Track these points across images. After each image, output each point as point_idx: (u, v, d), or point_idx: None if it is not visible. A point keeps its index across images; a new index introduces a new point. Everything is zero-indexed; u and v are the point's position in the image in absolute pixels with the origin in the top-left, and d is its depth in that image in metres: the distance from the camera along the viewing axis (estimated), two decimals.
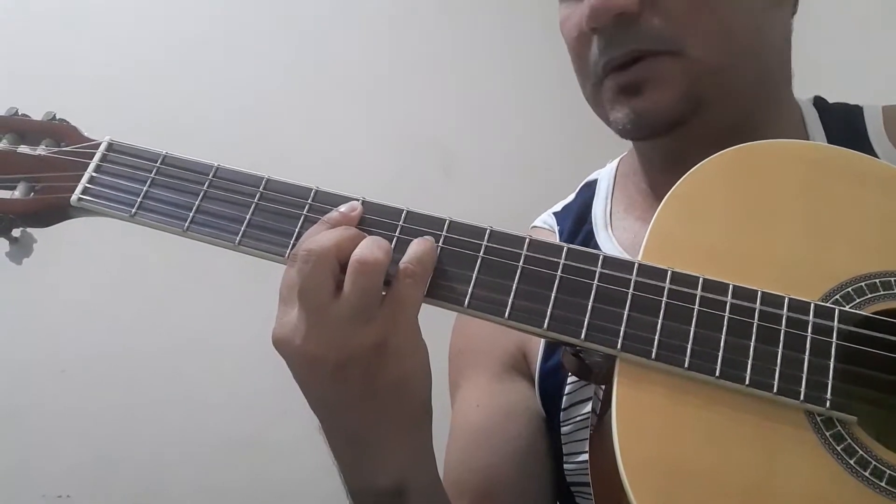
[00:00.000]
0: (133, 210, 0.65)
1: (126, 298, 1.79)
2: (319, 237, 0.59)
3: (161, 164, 0.67)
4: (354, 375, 0.59)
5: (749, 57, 0.72)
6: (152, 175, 0.66)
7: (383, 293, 0.59)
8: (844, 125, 0.77)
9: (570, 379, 0.76)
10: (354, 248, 0.58)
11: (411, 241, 0.61)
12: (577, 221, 0.85)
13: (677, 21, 0.69)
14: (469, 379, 0.84)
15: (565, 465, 0.78)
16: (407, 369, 0.61)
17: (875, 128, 0.76)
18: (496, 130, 1.94)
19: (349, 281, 0.57)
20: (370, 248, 0.58)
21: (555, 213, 0.89)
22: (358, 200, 0.63)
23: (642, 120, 0.71)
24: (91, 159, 0.68)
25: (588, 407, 0.75)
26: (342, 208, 0.62)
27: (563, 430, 0.78)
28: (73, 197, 0.66)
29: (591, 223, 0.83)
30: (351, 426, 0.62)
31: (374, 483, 0.63)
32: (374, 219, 0.63)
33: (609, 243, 0.80)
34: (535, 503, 0.80)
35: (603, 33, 0.70)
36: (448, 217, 0.62)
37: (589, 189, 0.88)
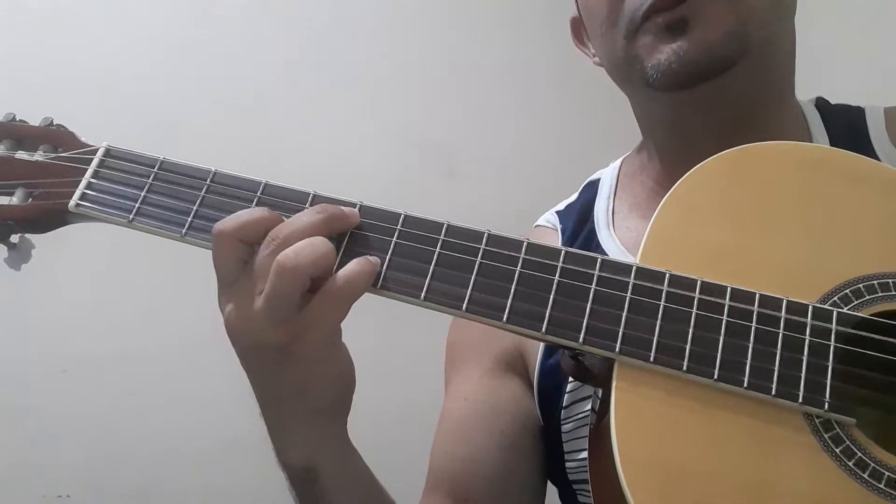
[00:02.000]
0: (131, 216, 0.65)
1: (126, 299, 1.79)
2: (227, 218, 0.61)
3: (158, 169, 0.67)
4: (258, 366, 0.62)
5: (785, 24, 0.73)
6: (150, 181, 0.66)
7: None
8: (846, 127, 0.78)
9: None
10: (262, 231, 0.60)
11: (409, 245, 0.61)
12: (579, 220, 0.85)
13: None
14: (461, 373, 0.85)
15: (567, 464, 0.78)
16: (312, 375, 0.62)
17: (877, 129, 0.76)
18: (498, 131, 1.94)
19: (269, 280, 0.58)
20: (297, 252, 0.58)
21: (558, 212, 0.89)
22: (355, 205, 0.63)
23: (688, 57, 0.69)
24: (89, 165, 0.68)
25: (589, 405, 0.75)
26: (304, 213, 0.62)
27: (564, 428, 0.78)
28: (71, 203, 0.66)
29: (593, 222, 0.83)
30: (263, 404, 0.66)
31: (286, 458, 0.66)
32: (371, 223, 0.63)
33: (611, 242, 0.80)
34: (517, 500, 0.80)
35: None
36: (446, 221, 0.63)
37: (591, 188, 0.88)
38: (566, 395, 0.77)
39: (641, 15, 0.70)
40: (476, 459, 0.78)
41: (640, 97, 0.80)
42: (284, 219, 0.61)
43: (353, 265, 0.60)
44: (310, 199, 0.64)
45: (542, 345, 0.80)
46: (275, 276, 0.57)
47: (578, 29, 0.85)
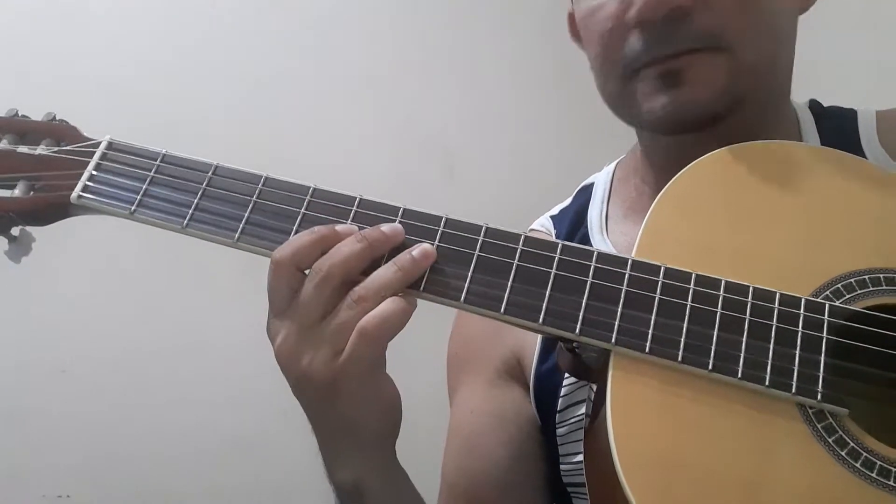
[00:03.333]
0: (133, 207, 0.66)
1: (126, 298, 1.80)
2: (283, 246, 0.62)
3: (161, 162, 0.67)
4: (308, 397, 0.64)
5: (784, 58, 0.73)
6: (152, 173, 0.67)
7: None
8: (838, 128, 0.78)
9: (566, 381, 0.77)
10: (317, 254, 0.61)
11: (408, 238, 0.62)
12: (573, 225, 0.85)
13: (728, 20, 0.67)
14: (464, 384, 0.85)
15: (561, 467, 0.79)
16: (359, 410, 0.63)
17: (867, 132, 0.76)
18: (498, 131, 1.94)
19: (350, 342, 0.60)
20: (381, 319, 0.59)
21: (552, 217, 0.89)
22: (355, 199, 0.64)
23: (680, 112, 0.69)
24: (91, 158, 0.68)
25: (583, 409, 0.75)
26: (338, 228, 0.63)
27: (559, 431, 0.78)
28: (74, 194, 0.67)
29: (586, 227, 0.84)
30: (314, 428, 0.67)
31: (336, 477, 0.67)
32: (370, 216, 0.64)
33: (604, 247, 0.80)
34: (532, 502, 0.80)
35: (648, 28, 0.68)
36: (444, 214, 0.63)
37: (585, 193, 0.88)
38: (561, 399, 0.78)
39: (642, 63, 0.70)
40: (488, 471, 0.79)
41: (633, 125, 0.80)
42: (336, 231, 0.62)
43: (385, 305, 0.60)
44: (310, 192, 0.65)
45: (537, 350, 0.80)
46: (357, 339, 0.59)
47: (576, 24, 0.85)
